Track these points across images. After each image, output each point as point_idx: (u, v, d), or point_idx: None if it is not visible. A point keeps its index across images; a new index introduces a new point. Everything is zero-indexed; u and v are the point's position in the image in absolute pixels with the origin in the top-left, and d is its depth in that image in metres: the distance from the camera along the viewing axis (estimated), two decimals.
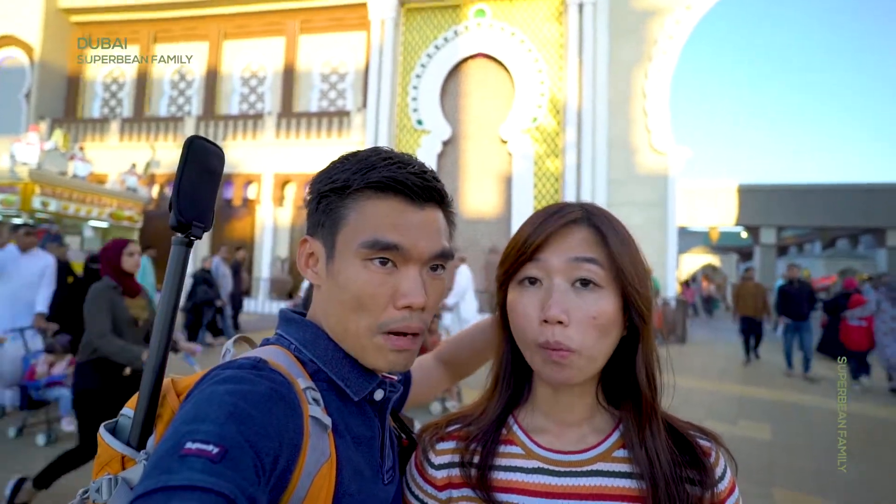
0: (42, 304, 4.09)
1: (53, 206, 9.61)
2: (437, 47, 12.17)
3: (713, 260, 25.34)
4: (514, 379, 0.62)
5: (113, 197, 11.18)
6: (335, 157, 0.59)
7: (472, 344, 0.81)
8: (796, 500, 3.14)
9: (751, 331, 8.06)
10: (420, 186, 0.54)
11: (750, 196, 20.06)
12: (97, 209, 10.72)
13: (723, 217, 20.41)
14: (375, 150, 0.57)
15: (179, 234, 0.55)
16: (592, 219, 0.56)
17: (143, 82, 14.36)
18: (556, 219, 0.56)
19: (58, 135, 11.23)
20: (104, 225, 11.71)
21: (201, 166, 0.56)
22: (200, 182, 0.56)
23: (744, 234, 24.09)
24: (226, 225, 13.23)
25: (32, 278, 4.11)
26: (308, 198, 0.59)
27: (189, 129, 13.35)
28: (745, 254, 26.56)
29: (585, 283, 0.53)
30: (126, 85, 14.66)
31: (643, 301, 0.55)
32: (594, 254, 0.54)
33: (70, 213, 10.05)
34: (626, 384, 0.58)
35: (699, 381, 6.40)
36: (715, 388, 6.11)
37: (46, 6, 14.21)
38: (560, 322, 0.52)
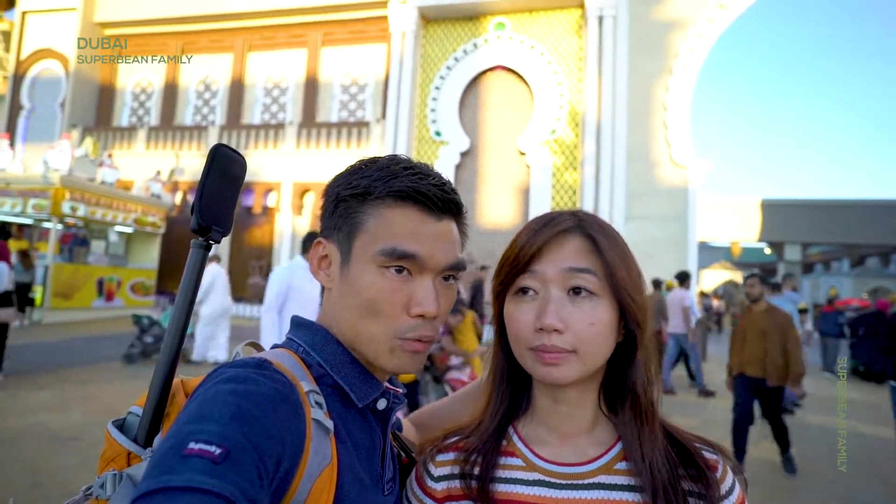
0: None
1: (82, 210, 9.91)
2: (456, 59, 12.29)
3: (735, 276, 24.77)
4: (511, 389, 0.62)
5: (138, 203, 11.49)
6: (352, 162, 0.60)
7: (453, 413, 0.75)
8: None
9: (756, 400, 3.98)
10: (440, 199, 0.55)
11: (774, 211, 19.64)
12: (123, 214, 11.02)
13: (745, 232, 20.01)
14: (395, 159, 0.58)
15: (199, 238, 0.56)
16: (585, 227, 0.56)
17: (170, 92, 14.80)
18: (548, 229, 0.56)
19: (88, 142, 11.62)
20: (129, 230, 12.02)
21: (224, 173, 0.57)
22: (222, 188, 0.57)
23: (767, 251, 23.57)
24: (245, 232, 13.46)
25: (316, 298, 3.22)
26: (324, 200, 0.60)
27: (213, 138, 13.67)
28: (769, 270, 25.93)
29: (579, 291, 0.54)
30: (154, 94, 15.12)
31: (638, 308, 0.55)
32: (588, 263, 0.54)
33: (97, 217, 10.34)
34: (622, 391, 0.57)
35: (719, 399, 6.22)
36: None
37: (83, 20, 14.80)
38: (556, 330, 0.52)
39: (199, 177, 0.56)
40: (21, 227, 11.97)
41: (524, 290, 0.56)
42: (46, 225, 10.52)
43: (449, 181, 0.59)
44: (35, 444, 3.48)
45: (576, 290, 0.54)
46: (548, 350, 0.52)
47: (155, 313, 6.33)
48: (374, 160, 0.58)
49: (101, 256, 11.40)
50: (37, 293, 9.24)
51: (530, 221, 0.59)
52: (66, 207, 9.52)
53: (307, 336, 0.57)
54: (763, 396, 3.93)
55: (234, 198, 0.59)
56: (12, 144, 12.80)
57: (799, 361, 3.67)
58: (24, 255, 8.86)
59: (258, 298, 12.57)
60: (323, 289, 0.60)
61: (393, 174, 0.55)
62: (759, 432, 4.95)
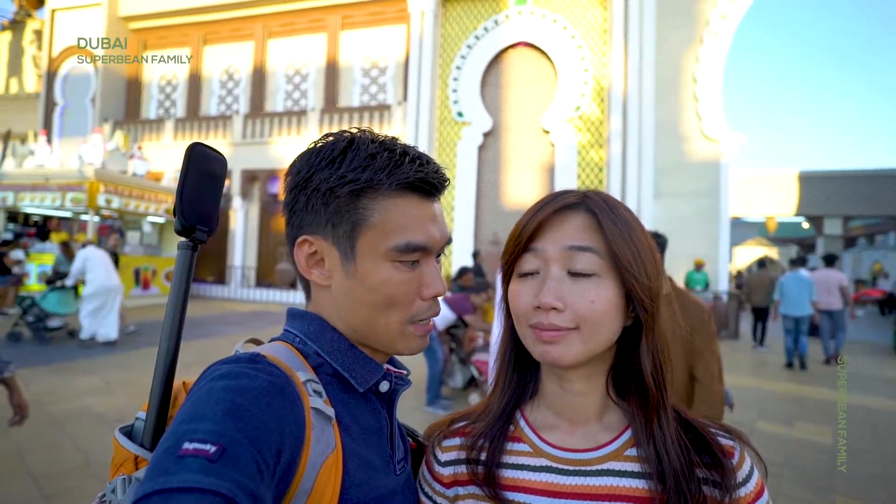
0: None
1: (116, 202, 10.24)
2: (477, 38, 12.05)
3: (770, 252, 23.94)
4: (519, 373, 0.61)
5: (169, 193, 11.79)
6: (309, 148, 0.55)
7: None
8: None
9: None
10: (440, 183, 0.57)
11: (812, 184, 18.81)
12: (154, 205, 11.34)
13: (781, 206, 19.26)
14: (380, 143, 0.54)
15: (184, 239, 0.56)
16: (589, 204, 0.54)
17: (194, 83, 15.04)
18: (550, 205, 0.55)
19: (118, 136, 11.95)
20: (161, 220, 12.38)
21: (203, 172, 0.57)
22: (203, 187, 0.57)
23: (805, 225, 22.66)
24: (273, 219, 13.71)
25: None
26: (300, 193, 0.55)
27: (237, 127, 13.88)
28: (807, 245, 24.94)
29: (581, 273, 0.52)
30: (179, 86, 15.40)
31: (644, 290, 0.52)
32: (590, 242, 0.52)
33: (130, 209, 10.68)
34: (632, 377, 0.55)
35: (752, 378, 6.08)
36: (769, 387, 5.78)
37: (108, 15, 15.10)
38: (555, 308, 0.51)
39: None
40: (61, 220, 12.49)
41: (528, 272, 0.55)
42: (84, 217, 10.94)
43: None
44: (84, 426, 3.67)
45: (578, 272, 0.52)
46: (545, 328, 0.51)
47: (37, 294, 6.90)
48: (334, 142, 0.54)
49: (137, 246, 11.81)
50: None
51: (538, 200, 0.58)
52: (101, 200, 9.86)
53: (302, 326, 0.57)
54: None
55: (216, 196, 0.58)
56: (49, 140, 13.27)
57: (717, 393, 1.76)
58: (66, 247, 9.26)
59: (287, 283, 12.86)
60: (308, 284, 0.58)
61: (395, 164, 0.52)
62: (795, 410, 4.82)
